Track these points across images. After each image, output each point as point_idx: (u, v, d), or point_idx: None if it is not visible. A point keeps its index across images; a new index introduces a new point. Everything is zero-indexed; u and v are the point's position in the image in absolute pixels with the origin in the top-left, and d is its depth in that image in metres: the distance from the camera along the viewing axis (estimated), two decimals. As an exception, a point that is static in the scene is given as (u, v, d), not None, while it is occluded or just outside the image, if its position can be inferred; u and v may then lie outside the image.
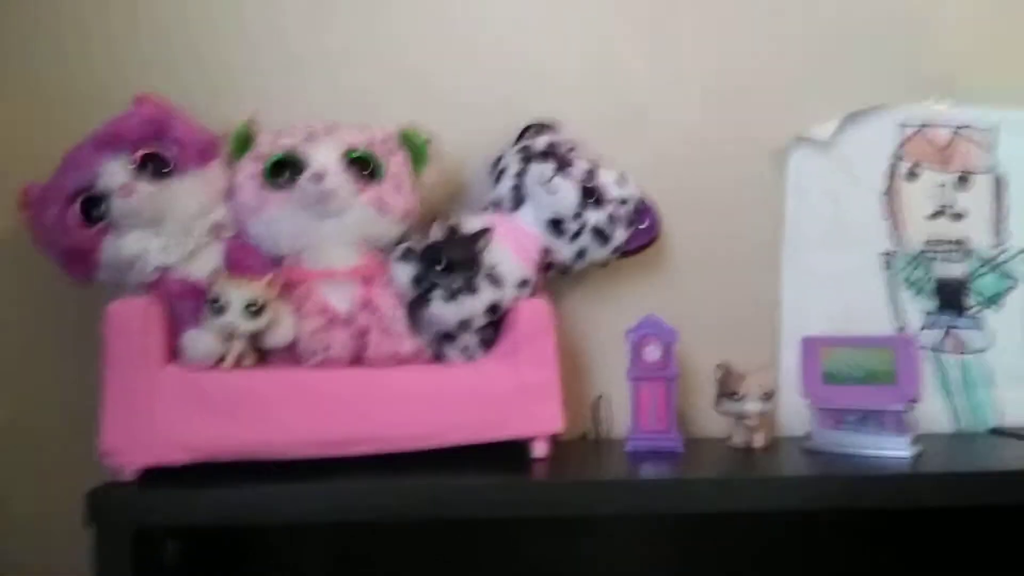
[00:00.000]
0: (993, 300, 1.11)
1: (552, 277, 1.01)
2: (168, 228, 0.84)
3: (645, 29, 1.10)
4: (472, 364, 0.91)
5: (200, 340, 0.81)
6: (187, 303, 0.83)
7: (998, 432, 1.08)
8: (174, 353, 0.83)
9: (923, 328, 1.10)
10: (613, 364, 1.00)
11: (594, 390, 1.08)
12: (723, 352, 0.97)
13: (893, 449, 0.89)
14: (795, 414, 1.02)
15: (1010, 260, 1.12)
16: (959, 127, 1.12)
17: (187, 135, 0.87)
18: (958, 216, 1.12)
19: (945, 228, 1.11)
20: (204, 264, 0.85)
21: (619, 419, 1.04)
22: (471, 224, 0.94)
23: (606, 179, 0.98)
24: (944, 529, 1.03)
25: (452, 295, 0.89)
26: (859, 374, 0.92)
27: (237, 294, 0.81)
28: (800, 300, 1.09)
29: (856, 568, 1.08)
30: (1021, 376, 1.10)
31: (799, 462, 0.89)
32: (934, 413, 1.08)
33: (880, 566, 1.08)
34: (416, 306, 0.91)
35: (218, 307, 0.81)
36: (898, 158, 1.11)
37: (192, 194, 0.86)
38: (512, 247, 0.95)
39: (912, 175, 1.11)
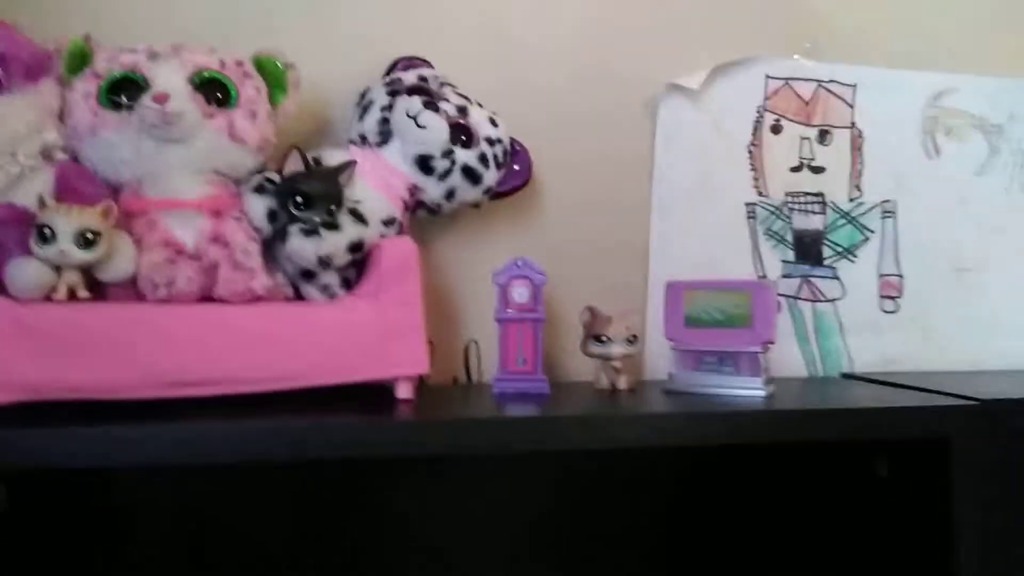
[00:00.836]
0: (848, 252, 1.16)
1: (421, 218, 0.98)
2: (-8, 149, 0.77)
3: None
4: (333, 303, 0.88)
5: (27, 269, 0.74)
6: (12, 231, 0.75)
7: (848, 376, 1.13)
8: (-1, 286, 0.76)
9: (782, 277, 1.14)
10: (485, 309, 0.98)
11: (466, 335, 1.06)
12: (593, 297, 0.98)
13: (748, 389, 0.91)
14: (660, 358, 1.04)
15: (865, 213, 1.16)
16: (823, 82, 1.15)
17: (14, 49, 0.79)
18: (818, 170, 1.15)
19: (805, 181, 1.15)
20: (31, 189, 0.77)
21: (490, 365, 1.03)
22: (334, 158, 0.90)
23: (478, 118, 0.96)
24: (795, 466, 1.08)
25: (312, 231, 0.85)
26: (719, 317, 0.94)
27: (67, 221, 0.74)
28: (668, 247, 1.11)
29: (712, 504, 1.12)
30: (871, 324, 1.16)
31: (659, 401, 0.91)
32: (789, 359, 1.13)
33: (735, 501, 1.12)
34: (273, 242, 0.87)
35: (47, 235, 0.74)
36: (764, 111, 1.14)
37: (18, 113, 0.78)
38: (377, 184, 0.92)
39: (776, 128, 1.14)
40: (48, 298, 0.75)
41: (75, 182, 0.79)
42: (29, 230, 0.75)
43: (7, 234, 0.76)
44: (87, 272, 0.77)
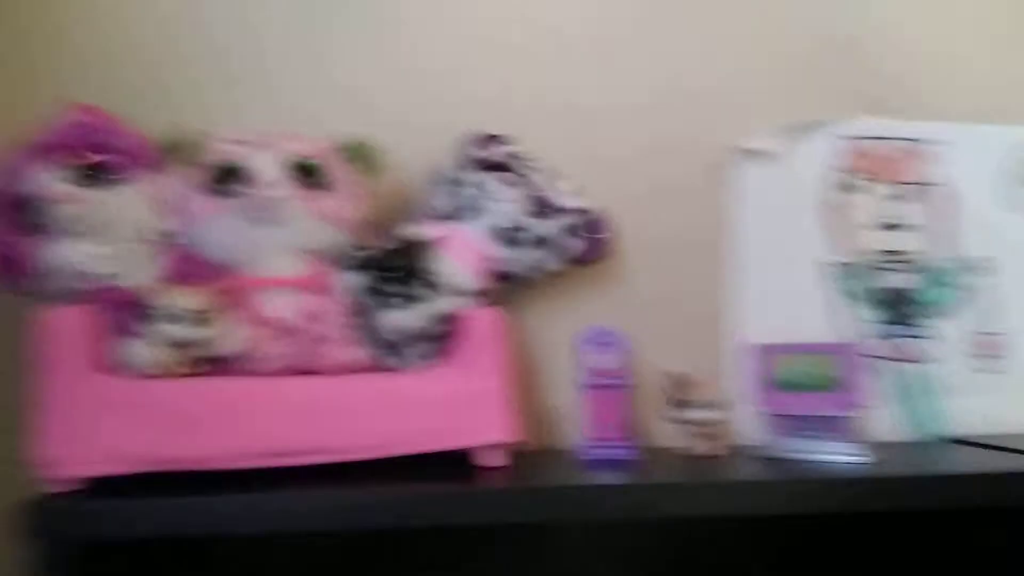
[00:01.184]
0: (939, 310, 1.13)
1: (503, 287, 1.01)
2: (108, 236, 0.83)
3: (593, 39, 1.11)
4: (421, 374, 0.90)
5: (141, 349, 0.79)
6: (127, 312, 0.81)
7: (943, 439, 1.09)
8: (113, 363, 0.81)
9: (869, 338, 1.11)
10: (566, 374, 0.99)
11: (548, 400, 1.07)
12: (676, 362, 0.98)
13: (844, 454, 0.89)
14: (749, 423, 1.02)
15: (953, 271, 1.14)
16: (899, 140, 1.14)
17: (129, 143, 0.86)
18: (900, 227, 1.14)
19: (890, 239, 1.13)
20: (146, 272, 0.83)
21: (575, 430, 1.03)
22: (419, 233, 0.94)
23: (556, 190, 0.99)
24: (893, 534, 1.03)
25: (400, 304, 0.88)
26: (808, 381, 0.92)
27: (179, 303, 0.80)
28: (749, 310, 1.10)
29: (808, 573, 1.08)
30: (968, 384, 1.12)
31: (752, 468, 0.89)
32: (882, 422, 1.09)
33: (832, 570, 1.08)
34: (363, 315, 0.90)
35: (159, 316, 0.79)
36: (839, 170, 1.13)
37: (133, 202, 0.85)
38: (461, 256, 0.94)
39: (853, 187, 1.13)
40: (160, 375, 0.80)
41: (185, 265, 0.85)
42: (144, 311, 0.80)
43: (124, 315, 0.81)
44: (196, 349, 0.82)
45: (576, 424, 0.95)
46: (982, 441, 1.03)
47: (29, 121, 0.86)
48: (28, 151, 0.83)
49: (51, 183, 0.82)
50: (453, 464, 0.86)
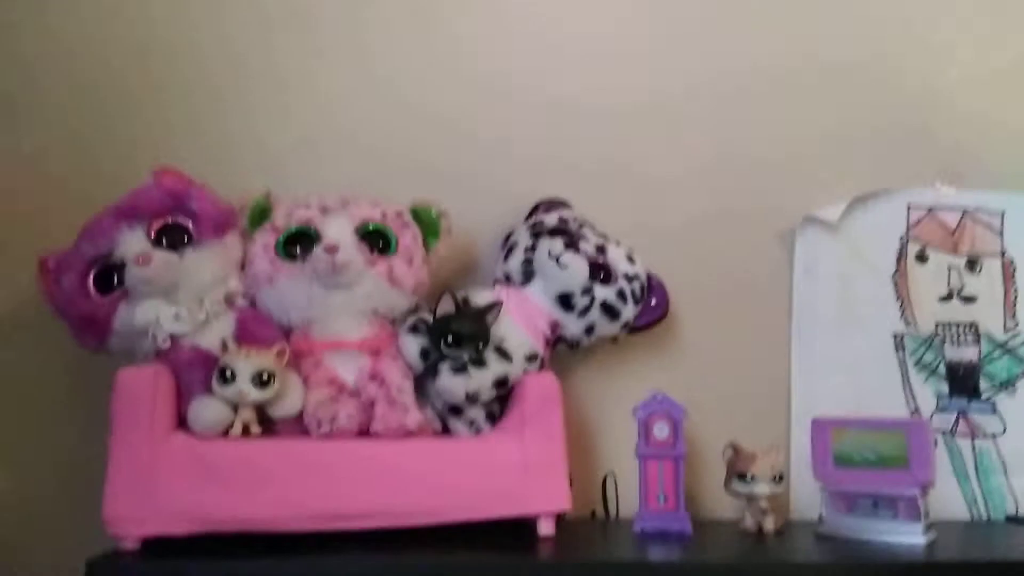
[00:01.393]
0: (1006, 384, 1.10)
1: (561, 352, 1.01)
2: (182, 297, 0.86)
3: (654, 110, 1.12)
4: (479, 438, 0.91)
5: (208, 408, 0.81)
6: (197, 371, 0.83)
7: (1013, 520, 1.05)
8: (182, 422, 0.83)
9: (936, 411, 1.09)
10: (622, 441, 0.98)
11: (603, 467, 1.06)
12: (733, 431, 0.96)
13: (907, 535, 0.87)
14: (807, 496, 1.00)
15: (1022, 344, 1.11)
16: (967, 210, 1.13)
17: (205, 207, 0.89)
18: (969, 299, 1.11)
19: (956, 311, 1.11)
20: (215, 333, 0.86)
21: (628, 497, 1.02)
22: (481, 297, 0.95)
23: (615, 255, 1.00)
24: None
25: (460, 368, 0.89)
26: (871, 457, 0.90)
27: (246, 363, 0.82)
28: (810, 380, 1.08)
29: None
30: (1032, 462, 1.09)
31: (811, 547, 0.87)
32: (948, 499, 1.06)
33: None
34: (424, 378, 0.91)
35: (227, 376, 0.81)
36: (907, 240, 1.12)
37: (207, 264, 0.87)
38: (521, 321, 0.95)
39: (921, 257, 1.12)
40: (225, 433, 0.82)
41: (253, 326, 0.87)
42: (211, 371, 0.82)
43: (192, 374, 0.84)
44: (260, 409, 0.83)
45: (632, 493, 0.94)
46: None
47: (115, 189, 0.90)
48: (111, 214, 0.87)
49: (130, 245, 0.85)
50: (510, 531, 0.86)
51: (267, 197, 0.93)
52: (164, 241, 0.87)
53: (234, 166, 1.04)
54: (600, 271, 0.98)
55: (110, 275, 0.86)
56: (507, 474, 0.87)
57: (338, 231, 0.90)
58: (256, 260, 0.90)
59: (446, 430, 0.92)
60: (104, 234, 0.86)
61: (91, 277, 0.86)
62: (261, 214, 0.92)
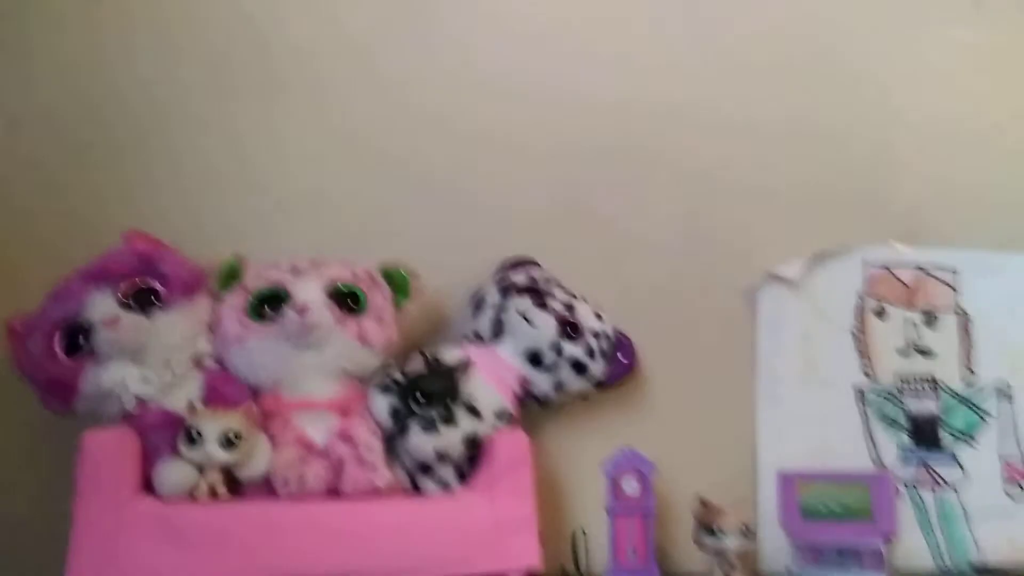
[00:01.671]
0: (966, 435, 1.13)
1: (530, 409, 1.02)
2: (150, 359, 0.85)
3: (616, 168, 1.15)
4: (449, 497, 0.90)
5: (173, 471, 0.81)
6: (163, 433, 0.83)
7: (977, 569, 1.07)
8: (148, 485, 0.82)
9: (898, 462, 1.11)
10: (592, 497, 0.99)
11: (573, 523, 1.06)
12: (701, 486, 0.97)
13: (871, 587, 0.88)
14: (775, 549, 1.01)
15: (981, 396, 1.14)
16: (923, 267, 1.16)
17: (175, 269, 0.89)
18: (927, 353, 1.14)
19: (915, 364, 1.14)
20: (183, 394, 0.85)
21: (598, 553, 1.02)
22: (450, 355, 0.96)
23: (583, 313, 1.01)
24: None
25: (430, 426, 0.89)
26: (837, 510, 0.92)
27: (213, 424, 0.81)
28: (776, 434, 1.10)
29: None
30: (998, 510, 1.10)
31: (778, 602, 0.88)
32: (913, 550, 1.07)
33: None
34: (394, 437, 0.91)
35: (194, 437, 0.81)
36: (865, 297, 1.15)
37: (176, 326, 0.88)
38: (491, 378, 0.96)
39: (880, 313, 1.15)
40: (193, 497, 0.81)
41: (221, 386, 0.87)
42: (178, 432, 0.82)
43: (159, 436, 0.83)
44: (227, 471, 0.83)
45: (602, 549, 0.94)
46: (1009, 569, 1.00)
47: (82, 252, 0.90)
48: (80, 277, 0.87)
49: (99, 307, 0.85)
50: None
51: (238, 259, 0.94)
52: (133, 303, 0.87)
53: (201, 230, 1.04)
54: (569, 328, 0.99)
55: (76, 337, 0.85)
56: (478, 532, 0.87)
57: (308, 291, 0.90)
58: (226, 321, 0.90)
59: (416, 488, 0.92)
60: (72, 297, 0.86)
61: (58, 339, 0.85)
62: (231, 275, 0.93)
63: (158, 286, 0.88)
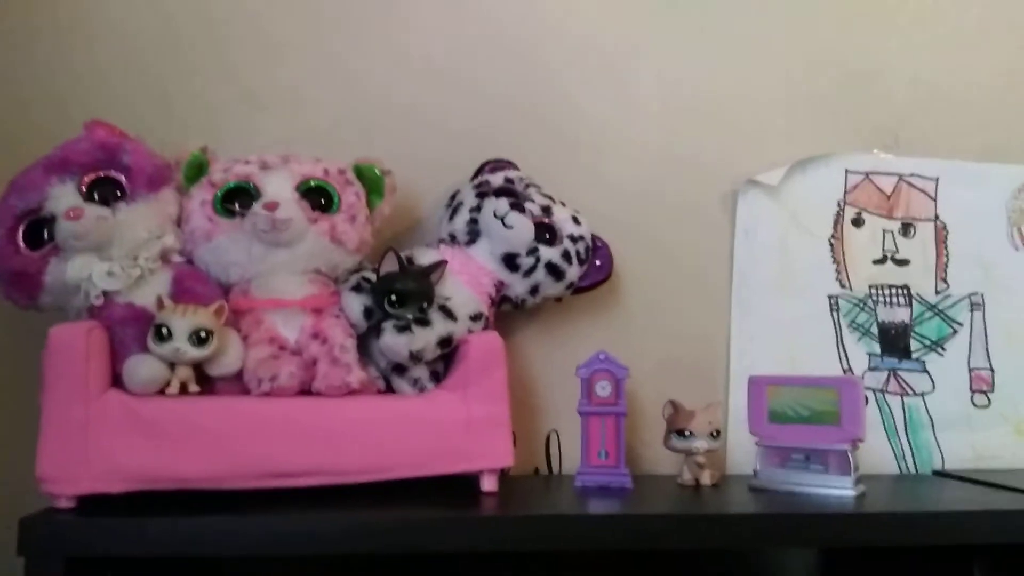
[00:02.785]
0: (936, 345, 1.14)
1: (505, 312, 1.01)
2: (115, 253, 0.83)
3: (599, 70, 1.12)
4: (423, 396, 0.91)
5: (143, 365, 0.79)
6: (131, 329, 0.81)
7: (939, 474, 1.10)
8: (115, 381, 0.81)
9: (868, 370, 1.12)
10: (565, 400, 1.00)
11: (546, 426, 1.08)
12: (673, 390, 0.98)
13: (837, 488, 0.90)
14: (743, 452, 1.03)
15: (952, 306, 1.15)
16: (904, 176, 1.16)
17: (138, 161, 0.86)
18: (902, 262, 1.15)
19: (889, 274, 1.15)
20: (150, 290, 0.83)
21: (571, 456, 1.03)
22: (425, 257, 0.95)
23: (561, 216, 1.00)
24: (884, 568, 1.04)
25: (404, 327, 0.89)
26: (804, 413, 0.93)
27: (183, 321, 0.80)
28: (749, 341, 1.11)
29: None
30: (963, 419, 1.13)
31: (745, 499, 0.90)
32: (878, 454, 1.10)
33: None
34: (368, 337, 0.91)
35: (164, 333, 0.79)
36: (844, 205, 1.14)
37: (141, 220, 0.85)
38: (466, 281, 0.95)
39: (858, 221, 1.15)
40: (161, 392, 0.80)
41: (190, 283, 0.85)
42: (147, 328, 0.81)
43: (126, 332, 0.81)
44: (198, 368, 0.82)
45: (575, 451, 0.95)
46: (971, 476, 1.03)
47: (46, 142, 0.87)
48: (41, 167, 0.84)
49: (61, 199, 0.82)
50: (452, 488, 0.86)
51: (204, 152, 0.90)
52: (96, 196, 0.84)
53: (170, 121, 1.01)
54: (546, 232, 0.98)
55: (40, 230, 0.83)
56: (451, 431, 0.87)
57: (278, 188, 0.88)
58: (193, 216, 0.88)
59: (390, 389, 0.92)
60: (34, 187, 0.83)
61: (20, 232, 0.83)
62: (197, 169, 0.90)
63: (121, 178, 0.85)
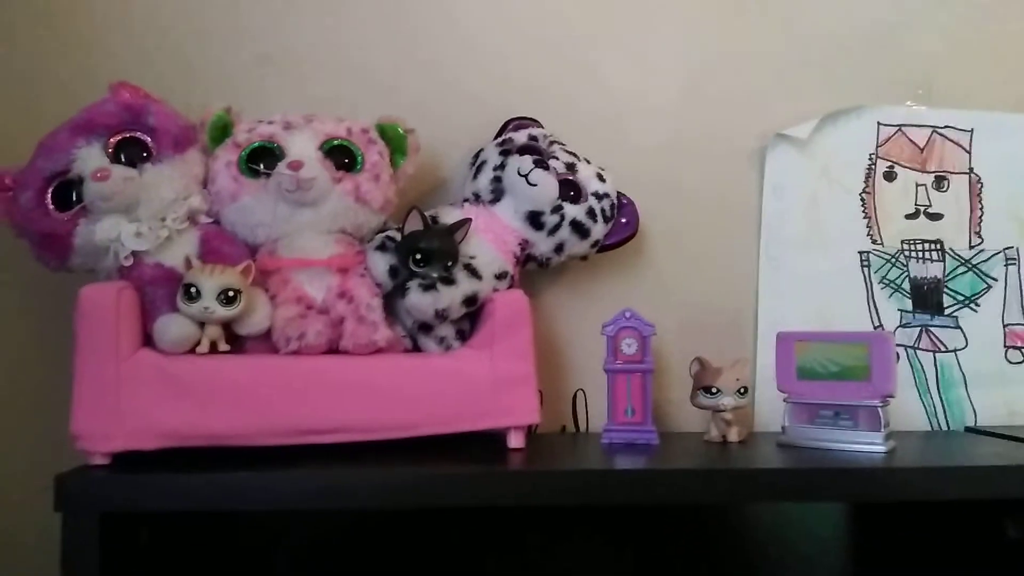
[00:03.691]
0: (970, 300, 1.12)
1: (531, 271, 1.01)
2: (143, 214, 0.84)
3: (623, 27, 1.10)
4: (449, 354, 0.91)
5: (174, 325, 0.80)
6: (161, 289, 0.82)
7: (972, 430, 1.09)
8: (146, 340, 0.82)
9: (899, 327, 1.11)
10: (593, 359, 1.00)
11: (573, 384, 1.08)
12: (700, 347, 0.98)
13: (866, 444, 0.89)
14: (772, 410, 1.02)
15: (987, 261, 1.13)
16: (937, 128, 1.13)
17: (164, 122, 0.86)
18: (935, 216, 1.13)
19: (922, 228, 1.12)
20: (179, 251, 0.84)
21: (598, 414, 1.03)
22: (449, 216, 0.94)
23: (586, 174, 0.99)
24: (915, 524, 1.03)
25: (430, 286, 0.89)
26: (834, 369, 0.92)
27: (211, 280, 0.81)
28: (777, 297, 1.10)
29: (829, 560, 1.09)
30: (996, 376, 1.11)
31: (772, 455, 0.90)
32: (909, 411, 1.09)
33: (853, 559, 1.09)
34: (393, 296, 0.91)
35: (192, 293, 0.80)
36: (876, 158, 1.12)
37: (168, 180, 0.85)
38: (491, 239, 0.95)
39: (890, 175, 1.12)
40: (192, 351, 0.82)
41: (218, 244, 0.86)
42: (176, 288, 0.82)
43: (156, 292, 0.83)
44: (227, 327, 0.83)
45: (602, 410, 0.95)
46: (1005, 432, 1.02)
47: (72, 104, 0.87)
48: (67, 129, 0.84)
49: (88, 160, 0.83)
50: (479, 446, 0.87)
51: (228, 112, 0.90)
52: (123, 157, 0.84)
53: (192, 84, 1.01)
54: (570, 189, 0.97)
55: (69, 192, 0.84)
56: (477, 389, 0.87)
57: (302, 147, 0.88)
58: (219, 177, 0.88)
59: (416, 348, 0.93)
60: (61, 149, 0.83)
61: (49, 194, 0.84)
62: (222, 130, 0.90)
63: (147, 139, 0.85)
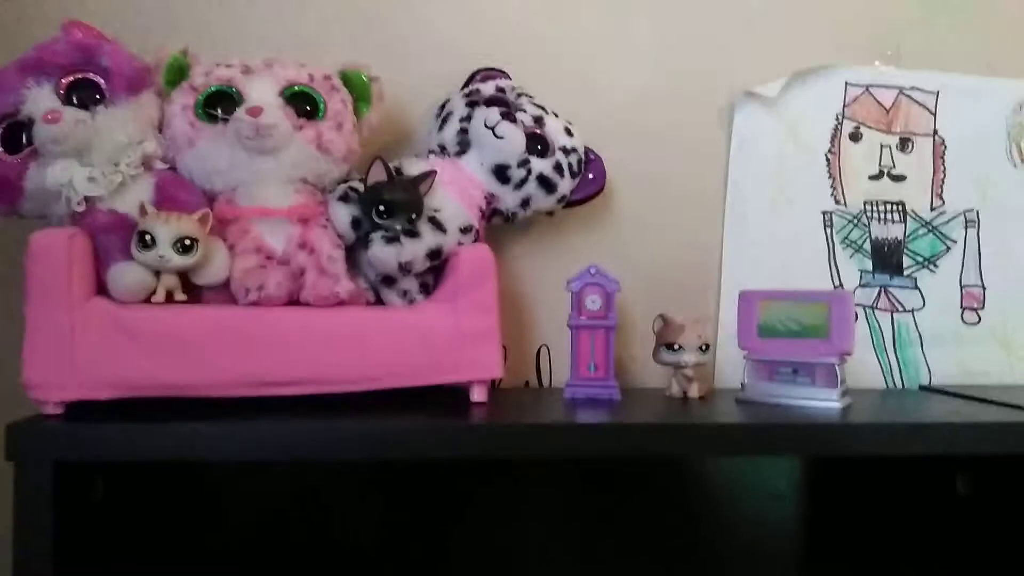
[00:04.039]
0: (929, 261, 1.14)
1: (496, 225, 1.00)
2: (96, 158, 0.81)
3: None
4: (412, 308, 0.90)
5: (128, 273, 0.78)
6: (114, 236, 0.80)
7: (927, 389, 1.11)
8: (100, 290, 0.80)
9: (859, 286, 1.12)
10: (557, 314, 1.00)
11: (537, 340, 1.08)
12: (664, 305, 0.98)
13: (823, 400, 0.90)
14: (733, 367, 1.03)
15: (947, 223, 1.14)
16: (904, 89, 1.13)
17: (118, 63, 0.83)
18: (898, 178, 1.13)
19: (885, 189, 1.13)
20: (133, 197, 0.81)
21: (561, 370, 1.04)
22: (414, 167, 0.93)
23: (553, 128, 0.98)
24: (868, 480, 1.06)
25: (393, 238, 0.87)
26: (794, 327, 0.93)
27: (166, 228, 0.78)
28: (741, 255, 1.10)
29: (785, 513, 1.11)
30: (952, 336, 1.13)
31: (731, 411, 0.91)
32: (865, 370, 1.11)
33: (808, 513, 1.11)
34: (356, 248, 0.90)
35: (147, 241, 0.78)
36: (843, 118, 1.12)
37: (121, 124, 0.82)
38: (456, 192, 0.94)
39: (856, 136, 1.13)
40: (147, 300, 0.80)
41: (174, 190, 0.83)
42: (130, 236, 0.79)
43: (110, 239, 0.80)
44: (184, 276, 0.81)
45: (566, 366, 0.95)
46: (958, 391, 1.04)
47: (22, 42, 0.83)
48: (17, 68, 0.81)
49: (38, 101, 0.80)
50: (442, 399, 0.87)
51: (184, 54, 0.87)
52: (75, 99, 0.81)
53: (147, 23, 0.98)
54: (537, 143, 0.96)
55: (18, 134, 0.80)
56: (440, 343, 0.86)
57: (261, 93, 0.85)
58: (175, 122, 0.85)
59: (379, 301, 0.92)
60: (10, 89, 0.80)
61: (-1, 135, 0.81)
62: (178, 72, 0.87)
63: (100, 81, 0.82)
